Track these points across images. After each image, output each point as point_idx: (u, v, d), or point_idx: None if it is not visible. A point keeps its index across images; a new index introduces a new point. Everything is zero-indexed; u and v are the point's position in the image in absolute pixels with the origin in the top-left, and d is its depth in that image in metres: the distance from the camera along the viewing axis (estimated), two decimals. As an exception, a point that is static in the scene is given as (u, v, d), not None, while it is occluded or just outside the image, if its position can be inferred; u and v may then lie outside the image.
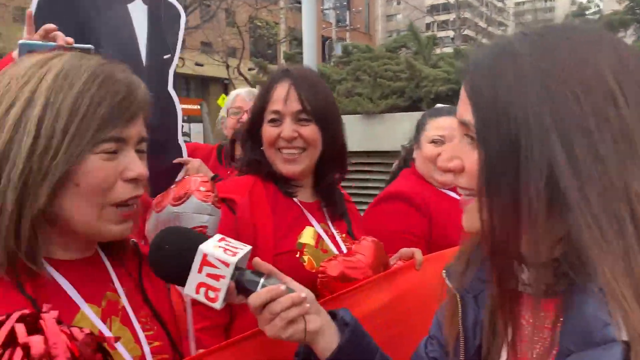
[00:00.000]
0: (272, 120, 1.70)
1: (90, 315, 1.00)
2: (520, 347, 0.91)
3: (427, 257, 1.61)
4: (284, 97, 1.67)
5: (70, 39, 1.74)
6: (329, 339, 1.10)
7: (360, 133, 5.94)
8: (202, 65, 28.02)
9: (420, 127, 2.40)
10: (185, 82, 31.08)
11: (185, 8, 23.26)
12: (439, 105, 2.92)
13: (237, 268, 1.04)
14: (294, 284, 1.11)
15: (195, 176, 1.35)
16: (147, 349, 1.07)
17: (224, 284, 1.02)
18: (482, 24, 49.45)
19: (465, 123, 0.86)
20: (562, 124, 0.75)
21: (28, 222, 0.93)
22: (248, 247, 1.09)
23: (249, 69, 27.94)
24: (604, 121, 0.74)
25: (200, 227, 1.26)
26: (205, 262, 1.02)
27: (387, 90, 9.00)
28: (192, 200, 1.26)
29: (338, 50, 9.40)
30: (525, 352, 0.89)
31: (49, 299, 0.92)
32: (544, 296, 0.84)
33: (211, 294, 1.02)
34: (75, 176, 0.94)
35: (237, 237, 1.50)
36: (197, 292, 1.03)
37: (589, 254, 0.72)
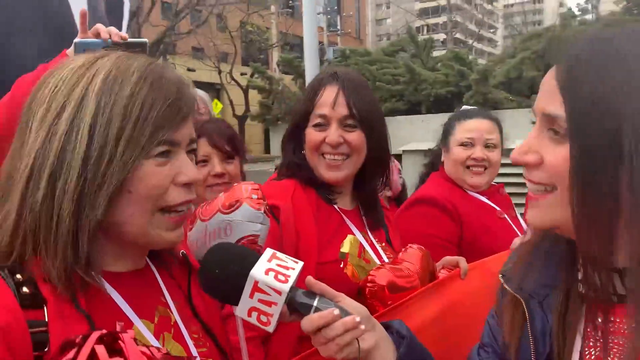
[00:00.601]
0: (317, 125, 1.64)
1: (143, 331, 0.94)
2: (589, 350, 0.89)
3: (471, 266, 1.57)
4: (332, 102, 1.62)
5: (125, 35, 1.72)
6: (385, 353, 1.06)
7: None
8: (194, 70, 27.99)
9: (448, 131, 2.37)
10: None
11: (177, 14, 23.28)
12: (465, 107, 2.89)
13: (290, 289, 0.99)
14: (347, 302, 1.06)
15: (246, 183, 1.29)
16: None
17: (276, 310, 0.99)
18: (473, 26, 49.80)
19: (552, 116, 0.83)
20: None
21: (86, 234, 0.87)
22: (300, 265, 1.04)
23: (241, 74, 27.98)
24: None
25: (252, 235, 1.20)
26: (256, 288, 0.97)
27: (386, 94, 9.05)
28: (245, 207, 1.20)
29: (330, 54, 9.38)
30: (599, 357, 0.87)
31: (102, 314, 0.88)
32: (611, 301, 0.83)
33: (263, 318, 0.99)
34: (129, 183, 0.89)
35: (281, 245, 1.47)
36: (249, 315, 0.99)
37: None
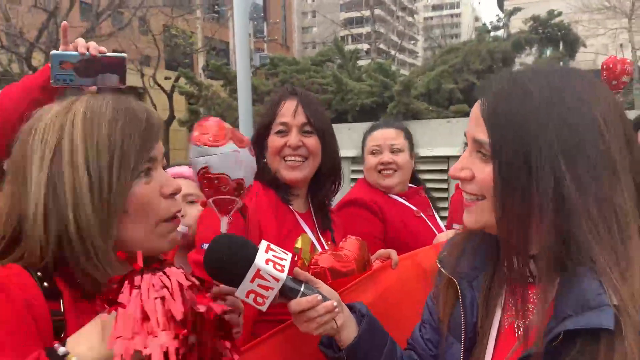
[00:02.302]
0: (279, 131, 1.88)
1: None
2: (507, 319, 1.12)
3: (400, 257, 1.80)
4: (292, 111, 1.88)
5: (102, 48, 1.78)
6: (350, 329, 1.28)
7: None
8: (115, 74, 27.01)
9: (363, 142, 2.72)
10: (98, 91, 29.80)
11: (98, 15, 22.37)
12: (385, 120, 3.27)
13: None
14: (325, 289, 1.29)
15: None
16: None
17: (272, 294, 1.19)
18: (395, 37, 51.41)
19: (480, 142, 1.05)
20: (568, 149, 0.96)
21: (110, 252, 1.02)
22: (289, 256, 1.25)
23: (166, 78, 27.35)
24: (597, 150, 0.97)
25: (203, 167, 1.39)
26: (257, 275, 1.17)
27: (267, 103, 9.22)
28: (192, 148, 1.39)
29: (257, 60, 9.47)
30: (513, 323, 1.10)
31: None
32: (528, 282, 1.05)
33: (259, 300, 1.18)
34: (125, 204, 1.04)
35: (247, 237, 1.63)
36: (247, 297, 1.19)
37: (587, 246, 0.95)
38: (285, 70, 8.96)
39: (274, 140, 1.89)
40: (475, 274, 1.18)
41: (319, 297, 1.23)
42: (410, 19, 59.67)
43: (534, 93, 1.00)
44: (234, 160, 1.38)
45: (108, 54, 1.79)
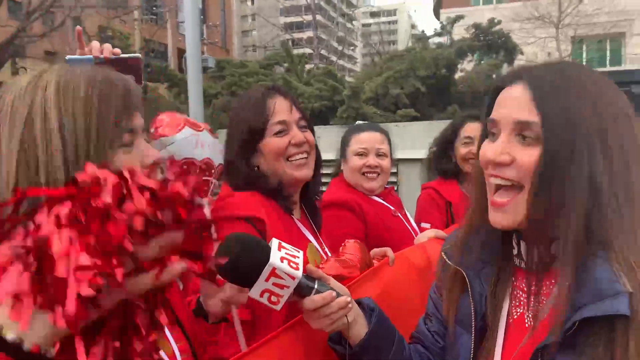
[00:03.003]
0: (279, 132, 1.74)
1: None
2: (516, 310, 1.14)
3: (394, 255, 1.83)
4: (288, 108, 1.76)
5: (117, 50, 1.75)
6: (360, 325, 1.29)
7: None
8: (47, 76, 25.87)
9: (345, 143, 2.71)
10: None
11: (28, 15, 21.35)
12: (358, 122, 3.27)
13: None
14: (337, 286, 1.29)
15: None
16: (175, 347, 1.13)
17: (287, 292, 1.18)
18: (335, 43, 51.97)
19: (527, 122, 1.03)
20: (605, 138, 1.00)
21: None
22: (301, 253, 1.24)
23: (101, 81, 26.34)
24: (628, 141, 1.02)
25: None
26: (273, 274, 1.15)
27: (234, 105, 9.19)
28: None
29: (208, 63, 9.37)
30: (522, 313, 1.12)
31: None
32: (542, 270, 1.08)
33: (274, 299, 1.17)
34: None
35: None
36: (261, 296, 1.16)
37: (610, 232, 0.98)
38: (233, 73, 8.89)
39: (275, 142, 1.74)
40: (482, 265, 1.19)
41: (334, 293, 1.23)
42: (349, 25, 60.52)
43: (586, 84, 1.03)
44: (194, 142, 1.39)
45: (123, 55, 1.76)
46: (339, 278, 1.53)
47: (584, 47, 28.76)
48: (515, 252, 1.15)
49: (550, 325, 1.02)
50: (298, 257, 1.20)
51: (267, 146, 1.75)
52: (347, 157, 2.65)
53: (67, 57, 1.71)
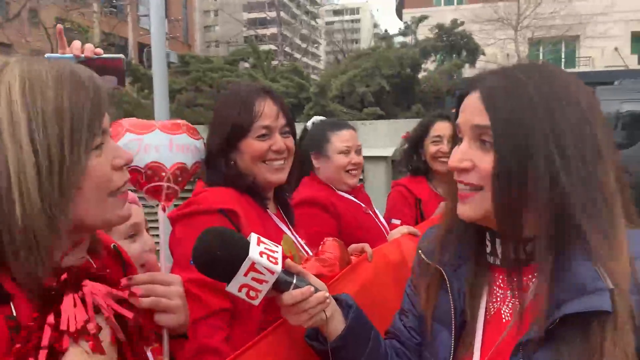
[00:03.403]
0: (261, 135, 1.75)
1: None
2: (493, 306, 1.17)
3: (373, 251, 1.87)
4: (275, 114, 1.76)
5: (99, 50, 1.71)
6: (337, 320, 1.29)
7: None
8: (1, 68, 24.99)
9: (322, 141, 2.68)
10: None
11: (-19, 5, 20.50)
12: (318, 117, 3.25)
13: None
14: (315, 281, 1.29)
15: None
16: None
17: (266, 287, 1.17)
18: (298, 41, 51.92)
19: (481, 126, 1.08)
20: (560, 135, 1.03)
21: (66, 237, 0.94)
22: (280, 248, 1.23)
23: (58, 75, 25.60)
24: (585, 135, 1.04)
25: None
26: (252, 268, 1.14)
27: (221, 99, 9.13)
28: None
29: (172, 58, 9.20)
30: (499, 309, 1.16)
31: None
32: (518, 266, 1.11)
33: (252, 294, 1.16)
34: (79, 180, 0.93)
35: None
36: (239, 291, 1.15)
37: (580, 226, 1.01)
38: (198, 69, 8.80)
39: (256, 145, 1.75)
40: (460, 262, 1.21)
41: (312, 288, 1.23)
42: (313, 22, 60.52)
43: (530, 84, 1.06)
44: (136, 148, 1.39)
45: (104, 56, 1.71)
46: (319, 276, 1.56)
47: (541, 49, 29.62)
48: (488, 250, 1.18)
49: (531, 320, 1.04)
50: (277, 252, 1.20)
51: (248, 147, 1.76)
52: (329, 155, 2.64)
53: (47, 55, 1.64)
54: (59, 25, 1.81)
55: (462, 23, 9.33)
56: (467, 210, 1.13)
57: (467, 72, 10.01)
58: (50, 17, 25.47)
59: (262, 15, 55.15)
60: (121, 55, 1.75)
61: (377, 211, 2.79)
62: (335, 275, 1.60)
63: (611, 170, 1.06)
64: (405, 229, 2.12)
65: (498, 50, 24.43)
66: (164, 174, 1.46)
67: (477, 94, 1.10)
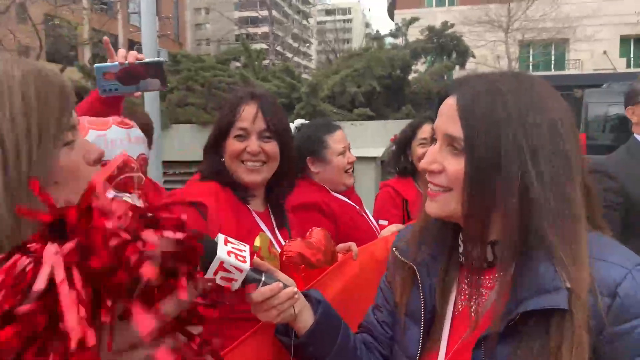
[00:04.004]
0: (238, 136, 1.88)
1: None
2: (461, 302, 1.21)
3: (358, 250, 1.92)
4: (252, 117, 1.86)
5: (142, 55, 1.87)
6: (306, 315, 1.33)
7: (196, 143, 6.01)
8: (-11, 64, 24.74)
9: (318, 144, 2.69)
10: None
11: (-31, 0, 20.34)
12: (300, 120, 3.24)
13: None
14: (284, 277, 1.33)
15: None
16: None
17: (235, 285, 1.20)
18: (290, 40, 51.90)
19: (452, 137, 1.11)
20: (534, 148, 1.06)
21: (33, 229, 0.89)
22: (247, 247, 1.26)
23: (47, 71, 25.39)
24: (558, 150, 1.08)
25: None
26: (221, 267, 1.17)
27: (221, 101, 9.14)
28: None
29: (164, 56, 9.17)
30: (466, 306, 1.20)
31: None
32: (480, 267, 1.15)
33: None
34: (54, 175, 0.94)
35: None
36: None
37: (545, 234, 1.04)
38: (190, 68, 8.76)
39: (233, 144, 1.88)
40: (432, 260, 1.26)
41: (280, 284, 1.27)
42: (305, 22, 60.52)
43: (507, 95, 1.08)
44: (102, 143, 1.43)
45: (146, 60, 1.88)
46: (302, 257, 1.62)
47: (531, 51, 29.85)
48: (461, 249, 1.22)
49: (492, 317, 1.09)
50: (245, 251, 1.23)
51: (228, 146, 1.90)
52: (329, 158, 2.66)
53: (96, 65, 1.84)
54: (106, 38, 2.00)
55: (453, 25, 9.37)
56: (434, 207, 1.18)
57: (458, 73, 10.07)
58: (39, 13, 25.30)
59: (254, 14, 55.09)
60: (161, 59, 1.93)
61: (368, 212, 2.83)
62: (317, 260, 1.65)
63: (578, 184, 1.10)
64: (394, 227, 2.15)
65: (489, 52, 24.58)
66: (133, 165, 1.50)
67: (454, 100, 1.13)
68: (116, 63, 1.86)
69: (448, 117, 1.14)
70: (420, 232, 1.29)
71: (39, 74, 0.94)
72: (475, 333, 1.13)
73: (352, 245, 1.92)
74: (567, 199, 1.07)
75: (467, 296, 1.20)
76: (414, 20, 9.59)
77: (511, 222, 1.06)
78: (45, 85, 0.94)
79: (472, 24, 23.83)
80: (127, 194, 1.49)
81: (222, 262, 1.16)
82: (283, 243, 1.89)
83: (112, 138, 1.51)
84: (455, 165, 1.11)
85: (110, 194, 1.44)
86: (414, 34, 9.92)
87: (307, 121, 3.35)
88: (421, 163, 1.19)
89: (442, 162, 1.14)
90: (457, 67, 9.68)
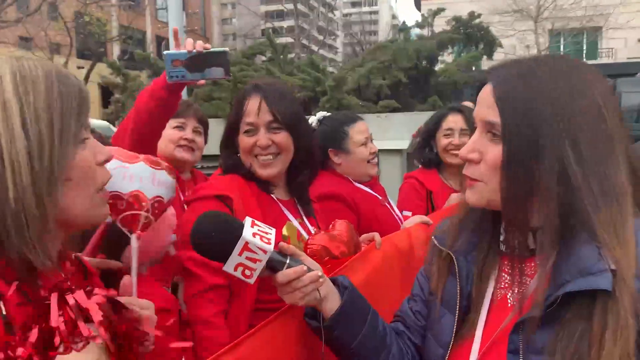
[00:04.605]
0: (247, 131, 1.88)
1: None
2: (500, 291, 1.20)
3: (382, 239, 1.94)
4: (256, 110, 1.85)
5: (207, 45, 1.94)
6: (333, 300, 1.33)
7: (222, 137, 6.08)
8: (23, 62, 25.36)
9: (339, 136, 2.71)
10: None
11: (2, 0, 20.92)
12: (323, 113, 3.25)
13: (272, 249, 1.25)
14: (309, 261, 1.34)
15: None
16: None
17: (259, 266, 1.24)
18: (315, 33, 51.83)
19: (491, 123, 1.11)
20: (572, 131, 1.04)
21: (51, 224, 0.96)
22: (273, 230, 1.30)
23: (78, 67, 26.00)
24: (599, 131, 1.06)
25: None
26: (246, 248, 1.21)
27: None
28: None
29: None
30: (505, 294, 1.19)
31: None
32: (526, 255, 1.13)
33: (247, 272, 1.23)
34: (67, 171, 0.97)
35: None
36: (235, 270, 1.23)
37: (588, 219, 1.02)
38: (216, 63, 8.84)
39: (243, 140, 1.89)
40: (471, 248, 1.25)
41: (305, 267, 1.28)
42: (330, 14, 60.34)
43: (543, 78, 1.07)
44: (122, 175, 1.45)
45: (212, 50, 1.95)
46: (326, 250, 1.64)
47: (562, 41, 29.20)
48: (502, 238, 1.21)
49: (532, 302, 1.07)
50: (270, 234, 1.27)
51: (240, 142, 1.91)
52: (350, 149, 2.69)
53: (165, 52, 1.92)
54: (175, 27, 2.12)
55: (480, 15, 9.24)
56: (473, 196, 1.18)
57: (485, 64, 9.94)
58: (69, 11, 25.81)
59: (279, 7, 55.14)
60: (226, 49, 1.99)
61: (392, 203, 2.83)
62: (341, 252, 1.67)
63: (623, 167, 1.07)
64: (418, 218, 2.16)
65: (517, 42, 24.13)
66: (144, 203, 1.49)
67: (490, 86, 1.12)
68: (184, 51, 1.92)
69: (485, 104, 1.13)
70: (460, 222, 1.29)
71: (59, 73, 0.99)
72: (512, 320, 1.11)
73: (376, 235, 1.92)
74: (610, 181, 1.04)
75: (506, 284, 1.19)
76: (440, 10, 9.50)
77: (551, 206, 1.04)
78: (66, 84, 0.99)
79: (500, 13, 23.40)
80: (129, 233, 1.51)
81: (247, 243, 1.20)
82: (312, 231, 1.91)
83: (132, 173, 1.50)
84: (495, 152, 1.10)
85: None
86: (441, 24, 9.83)
87: (329, 113, 3.37)
88: (460, 151, 1.19)
89: (481, 149, 1.14)
90: (484, 57, 9.56)
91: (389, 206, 2.74)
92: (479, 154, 1.14)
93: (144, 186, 1.49)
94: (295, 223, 1.88)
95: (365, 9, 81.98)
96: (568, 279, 1.02)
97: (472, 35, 9.03)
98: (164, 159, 2.61)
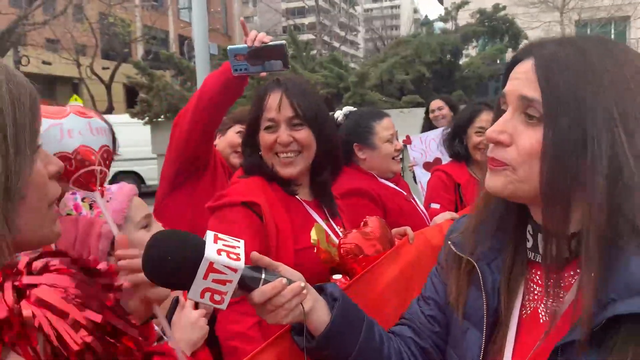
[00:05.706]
0: (268, 127, 1.81)
1: None
2: (530, 304, 1.05)
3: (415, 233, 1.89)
4: (277, 105, 1.78)
5: (267, 39, 2.03)
6: (321, 314, 1.15)
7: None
8: (49, 63, 25.89)
9: (365, 131, 2.68)
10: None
11: (30, 2, 21.31)
12: (349, 107, 3.22)
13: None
14: (289, 271, 1.14)
15: None
16: None
17: (231, 288, 1.03)
18: (337, 29, 51.69)
19: (529, 99, 0.94)
20: (626, 117, 0.88)
21: (8, 252, 0.81)
22: (242, 242, 1.10)
23: (103, 68, 26.38)
24: None
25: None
26: (211, 269, 1.01)
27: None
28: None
29: (214, 50, 9.33)
30: (536, 307, 1.04)
31: None
32: (561, 264, 0.97)
33: (217, 297, 1.03)
34: (24, 185, 0.82)
35: (266, 237, 1.66)
36: (202, 296, 1.03)
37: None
38: (239, 61, 8.88)
39: (264, 137, 1.82)
40: (494, 255, 1.09)
41: (284, 280, 1.08)
42: (352, 10, 60.09)
43: (594, 57, 0.92)
44: (58, 133, 1.28)
45: (270, 43, 2.04)
46: (359, 249, 1.61)
47: (589, 31, 28.59)
48: (529, 244, 1.06)
49: (572, 320, 0.92)
50: (239, 247, 1.06)
51: (261, 139, 1.84)
52: (376, 145, 2.66)
53: (229, 47, 2.04)
54: (242, 19, 2.27)
55: (504, 7, 9.11)
56: (497, 183, 1.00)
57: (510, 57, 9.74)
58: (94, 12, 26.20)
59: (301, 4, 55.13)
60: (283, 42, 2.08)
61: (416, 198, 2.81)
62: (376, 251, 1.64)
63: None
64: (448, 214, 2.12)
65: (543, 33, 23.68)
66: (94, 157, 1.34)
67: (531, 62, 0.96)
68: (245, 45, 2.03)
69: (524, 79, 0.96)
70: (479, 223, 1.12)
71: (9, 76, 0.84)
72: (549, 339, 0.96)
73: (408, 229, 1.85)
74: None
75: (536, 296, 1.04)
76: (464, 3, 9.38)
77: (598, 208, 0.88)
78: (17, 87, 0.84)
79: (525, 4, 23.02)
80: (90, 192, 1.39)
81: (211, 263, 1.00)
82: (339, 231, 1.86)
83: (69, 127, 1.33)
84: (529, 138, 0.94)
85: (70, 200, 1.40)
86: (464, 17, 9.70)
87: (355, 108, 3.35)
88: (487, 131, 1.01)
89: (512, 132, 0.97)
90: (509, 50, 9.43)
91: (413, 201, 2.72)
92: (510, 136, 0.97)
93: (86, 139, 1.33)
94: (322, 224, 1.82)
95: (387, 3, 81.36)
96: (614, 297, 0.87)
97: (496, 27, 8.92)
98: (222, 159, 2.66)
